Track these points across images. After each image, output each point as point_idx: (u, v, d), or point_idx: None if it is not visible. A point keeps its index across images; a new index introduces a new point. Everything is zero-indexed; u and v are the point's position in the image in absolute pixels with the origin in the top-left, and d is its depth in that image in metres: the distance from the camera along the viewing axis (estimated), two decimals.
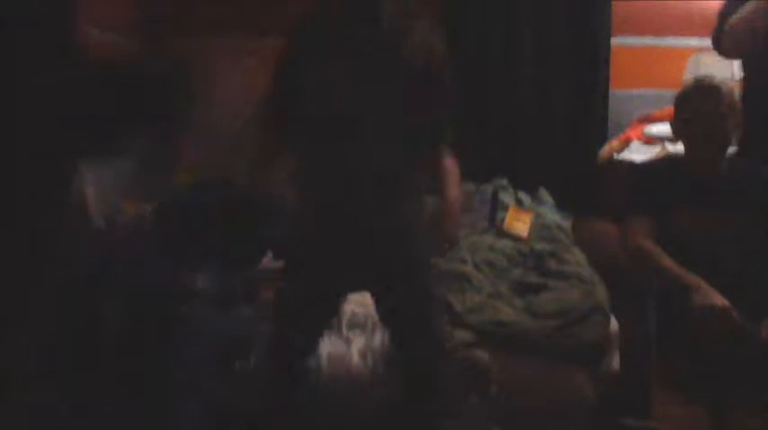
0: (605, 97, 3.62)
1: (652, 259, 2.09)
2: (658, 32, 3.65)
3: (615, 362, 2.36)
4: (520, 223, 3.13)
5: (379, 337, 2.34)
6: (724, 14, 2.50)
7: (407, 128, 1.77)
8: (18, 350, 1.47)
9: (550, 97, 3.64)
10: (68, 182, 1.64)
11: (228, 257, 2.60)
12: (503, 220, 3.14)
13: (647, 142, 3.28)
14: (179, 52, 3.56)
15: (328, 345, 2.31)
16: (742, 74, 2.72)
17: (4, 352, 1.49)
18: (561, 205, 3.36)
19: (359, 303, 2.43)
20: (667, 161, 2.53)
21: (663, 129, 3.16)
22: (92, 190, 1.95)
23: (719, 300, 1.92)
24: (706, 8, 3.25)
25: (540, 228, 3.11)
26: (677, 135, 2.31)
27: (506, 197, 3.30)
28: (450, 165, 1.91)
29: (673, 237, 2.14)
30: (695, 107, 2.17)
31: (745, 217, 2.14)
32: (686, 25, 3.57)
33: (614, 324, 2.43)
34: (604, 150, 3.40)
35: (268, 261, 2.92)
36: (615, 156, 3.32)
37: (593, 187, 3.38)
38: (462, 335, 2.43)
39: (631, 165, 3.04)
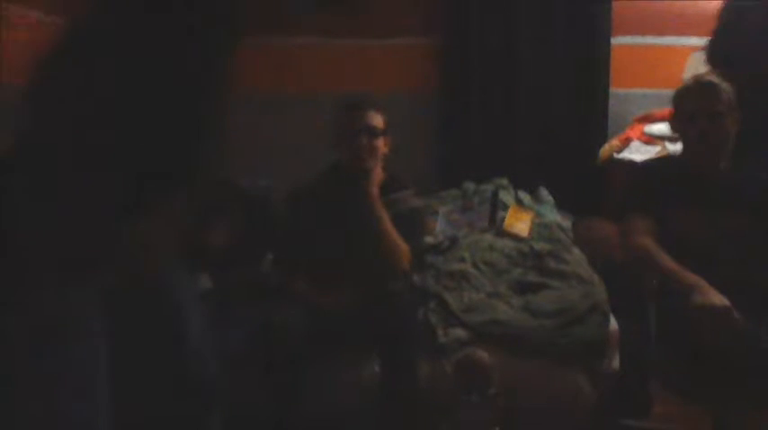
0: (605, 97, 3.62)
1: (652, 258, 2.08)
2: (658, 32, 3.65)
3: (615, 362, 2.36)
4: (520, 223, 3.13)
5: None
6: (721, 25, 2.51)
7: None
8: None
9: (550, 96, 3.64)
10: None
11: (228, 257, 2.60)
12: (503, 220, 3.14)
13: (647, 142, 3.28)
14: None
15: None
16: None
17: None
18: (561, 205, 3.36)
19: None
20: (666, 160, 2.53)
21: (663, 128, 3.16)
22: None
23: (719, 299, 1.92)
24: (706, 7, 3.25)
25: (540, 227, 3.11)
26: (675, 132, 2.31)
27: (506, 196, 3.30)
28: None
29: (671, 235, 2.14)
30: (693, 104, 2.17)
31: (744, 216, 2.14)
32: (686, 24, 3.56)
33: (614, 324, 2.43)
34: (604, 150, 3.40)
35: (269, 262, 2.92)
36: (615, 155, 3.32)
37: (593, 187, 3.38)
38: (460, 334, 2.44)
39: (630, 165, 3.04)
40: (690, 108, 2.18)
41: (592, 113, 3.61)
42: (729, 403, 2.01)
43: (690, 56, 3.41)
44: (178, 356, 1.58)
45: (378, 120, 2.41)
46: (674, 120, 2.27)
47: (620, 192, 2.43)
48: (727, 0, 2.69)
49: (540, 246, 2.97)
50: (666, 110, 3.10)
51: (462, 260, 2.87)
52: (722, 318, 1.90)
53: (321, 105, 3.77)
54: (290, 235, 2.46)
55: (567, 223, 3.21)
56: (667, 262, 2.05)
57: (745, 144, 2.30)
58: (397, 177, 2.52)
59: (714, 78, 2.21)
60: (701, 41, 3.37)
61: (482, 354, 2.14)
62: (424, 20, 3.75)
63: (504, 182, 3.41)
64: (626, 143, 3.33)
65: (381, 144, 2.43)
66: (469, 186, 3.40)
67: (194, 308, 1.63)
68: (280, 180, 3.30)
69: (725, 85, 2.18)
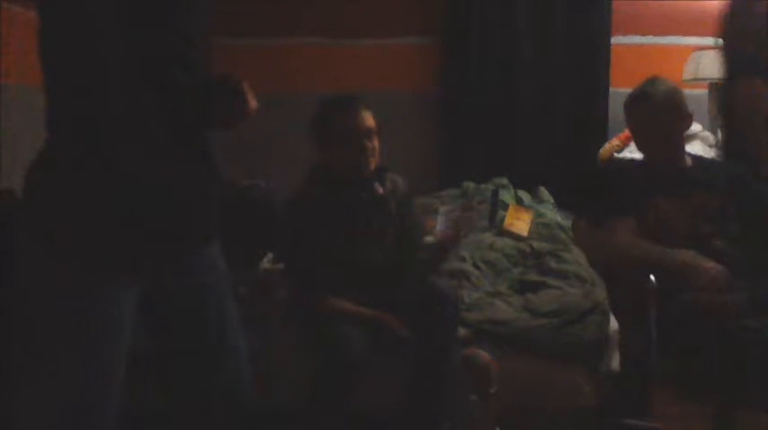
0: (606, 96, 3.63)
1: (636, 251, 2.11)
2: (659, 31, 3.65)
3: (615, 362, 2.36)
4: (520, 222, 3.13)
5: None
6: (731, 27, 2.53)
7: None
8: None
9: (551, 96, 3.65)
10: None
11: (228, 258, 2.58)
12: (503, 219, 3.14)
13: None
14: None
15: None
16: None
17: None
18: (561, 204, 3.37)
19: None
20: (629, 161, 2.59)
21: None
22: None
23: (713, 265, 1.98)
24: (706, 7, 3.25)
25: (539, 226, 3.11)
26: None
27: (506, 196, 3.30)
28: None
29: (652, 226, 2.16)
30: (630, 115, 2.28)
31: (716, 200, 2.19)
32: (686, 24, 3.57)
33: (614, 323, 2.43)
34: (604, 150, 3.40)
35: (268, 262, 2.93)
36: (615, 155, 3.33)
37: (594, 187, 3.38)
38: (460, 333, 2.44)
39: (600, 170, 3.07)
40: (629, 118, 2.30)
41: (592, 113, 3.62)
42: (729, 403, 2.01)
43: (690, 55, 3.42)
44: (215, 357, 1.57)
45: (371, 120, 2.32)
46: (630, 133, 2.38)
47: (595, 197, 2.45)
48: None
49: (540, 245, 2.97)
50: None
51: (462, 259, 2.87)
52: (722, 283, 1.95)
53: None
54: (301, 247, 2.31)
55: (567, 223, 3.21)
56: (653, 248, 2.09)
57: None
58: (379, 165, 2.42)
59: (649, 87, 2.25)
60: (701, 41, 3.38)
61: (482, 354, 2.14)
62: (424, 20, 3.75)
63: (504, 181, 3.41)
64: (626, 143, 3.33)
65: (377, 144, 2.34)
66: (469, 186, 3.40)
67: (234, 308, 1.62)
68: (280, 180, 3.30)
69: (661, 92, 2.23)
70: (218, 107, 1.48)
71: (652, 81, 2.28)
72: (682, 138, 2.29)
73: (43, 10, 1.28)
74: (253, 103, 1.49)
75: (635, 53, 3.66)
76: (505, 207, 3.21)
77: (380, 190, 2.34)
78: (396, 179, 2.46)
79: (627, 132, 3.39)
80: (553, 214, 3.26)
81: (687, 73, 3.38)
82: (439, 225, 3.18)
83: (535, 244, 2.98)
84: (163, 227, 1.39)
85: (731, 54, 2.61)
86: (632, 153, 3.26)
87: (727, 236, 2.17)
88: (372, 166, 2.33)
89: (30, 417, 1.35)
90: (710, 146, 3.26)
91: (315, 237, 2.25)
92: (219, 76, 1.49)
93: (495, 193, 3.29)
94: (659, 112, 2.21)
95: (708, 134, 3.31)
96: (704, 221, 2.17)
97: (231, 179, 3.10)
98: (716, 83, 3.31)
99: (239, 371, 1.59)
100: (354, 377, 2.06)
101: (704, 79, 3.33)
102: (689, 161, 2.29)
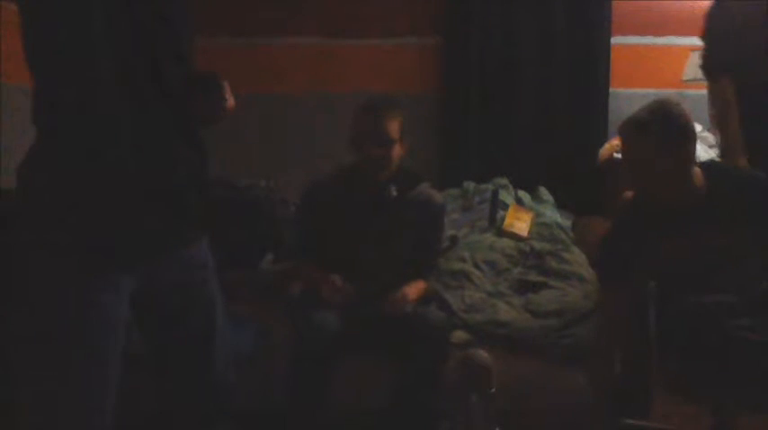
0: (605, 97, 3.63)
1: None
2: (658, 32, 3.65)
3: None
4: (520, 222, 3.13)
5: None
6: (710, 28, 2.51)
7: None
8: None
9: (551, 96, 3.65)
10: None
11: (229, 258, 2.59)
12: (503, 219, 3.14)
13: None
14: None
15: None
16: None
17: None
18: (561, 205, 3.37)
19: None
20: (631, 208, 2.19)
21: None
22: None
23: None
24: (705, 8, 3.25)
25: (540, 227, 3.11)
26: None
27: (506, 196, 3.30)
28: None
29: (672, 267, 2.06)
30: (624, 146, 2.05)
31: (733, 226, 2.02)
32: (686, 24, 3.56)
33: None
34: (604, 150, 3.40)
35: (269, 262, 2.93)
36: (615, 155, 3.32)
37: (593, 187, 3.39)
38: (461, 334, 2.44)
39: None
40: (625, 155, 2.06)
41: (592, 113, 3.62)
42: (729, 403, 2.01)
43: (690, 56, 3.42)
44: (205, 354, 1.57)
45: (393, 126, 2.30)
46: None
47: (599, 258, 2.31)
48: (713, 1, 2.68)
49: (540, 245, 2.97)
50: None
51: (463, 259, 2.87)
52: None
53: (321, 106, 3.78)
54: (302, 233, 2.45)
55: (567, 223, 3.21)
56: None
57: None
58: (409, 171, 2.45)
59: (641, 118, 1.98)
60: (700, 42, 3.38)
61: (482, 354, 2.13)
62: (424, 20, 3.75)
63: (504, 182, 3.41)
64: None
65: (394, 152, 2.32)
66: (469, 186, 3.40)
67: (222, 304, 1.62)
68: (280, 180, 3.30)
69: (662, 125, 1.95)
70: (201, 102, 1.47)
71: (654, 110, 1.97)
72: (688, 173, 2.02)
73: (24, 5, 1.27)
74: (230, 101, 1.48)
75: (635, 53, 3.66)
76: (505, 207, 3.21)
77: (393, 193, 2.34)
78: (429, 193, 2.45)
79: None
80: (553, 214, 3.26)
81: (687, 73, 3.38)
82: None
83: (535, 244, 2.98)
84: (156, 221, 1.39)
85: (707, 56, 2.63)
86: None
87: (739, 265, 2.03)
88: (379, 173, 2.33)
89: (29, 415, 1.35)
90: (710, 146, 3.25)
91: (316, 223, 2.38)
92: (202, 73, 1.48)
93: (495, 193, 3.29)
94: (658, 154, 1.95)
95: (708, 134, 3.30)
96: (712, 258, 2.02)
97: (231, 179, 3.10)
98: None
99: (225, 368, 1.60)
100: (330, 362, 2.13)
101: (704, 79, 3.32)
102: (698, 181, 2.03)
